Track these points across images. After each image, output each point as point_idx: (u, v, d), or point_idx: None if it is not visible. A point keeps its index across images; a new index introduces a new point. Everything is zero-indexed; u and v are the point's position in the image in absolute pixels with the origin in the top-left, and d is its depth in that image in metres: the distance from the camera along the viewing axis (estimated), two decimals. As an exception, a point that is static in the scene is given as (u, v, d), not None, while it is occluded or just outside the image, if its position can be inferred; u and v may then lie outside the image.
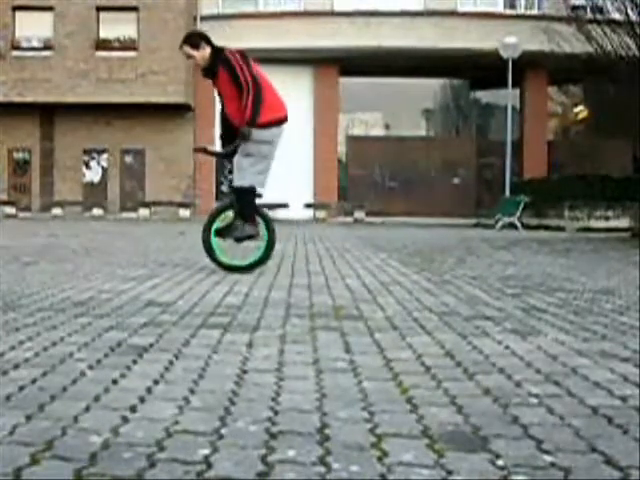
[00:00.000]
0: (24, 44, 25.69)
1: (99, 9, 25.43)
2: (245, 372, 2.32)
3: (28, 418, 1.78)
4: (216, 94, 5.90)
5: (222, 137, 5.86)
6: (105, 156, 26.76)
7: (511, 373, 2.34)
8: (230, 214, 5.85)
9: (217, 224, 5.83)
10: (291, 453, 1.56)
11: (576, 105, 28.56)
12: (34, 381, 2.15)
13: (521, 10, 26.36)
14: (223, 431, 1.70)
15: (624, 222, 18.88)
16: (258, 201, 5.87)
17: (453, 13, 25.77)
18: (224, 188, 6.60)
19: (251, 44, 24.87)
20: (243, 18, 25.81)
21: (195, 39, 5.78)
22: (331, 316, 3.55)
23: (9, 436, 1.64)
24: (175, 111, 25.72)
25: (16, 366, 2.35)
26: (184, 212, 24.85)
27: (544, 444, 1.64)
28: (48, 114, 26.24)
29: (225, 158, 5.86)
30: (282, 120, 5.68)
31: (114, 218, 24.44)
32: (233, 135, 5.66)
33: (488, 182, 27.32)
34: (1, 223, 18.13)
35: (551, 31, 19.43)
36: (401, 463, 1.51)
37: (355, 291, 4.62)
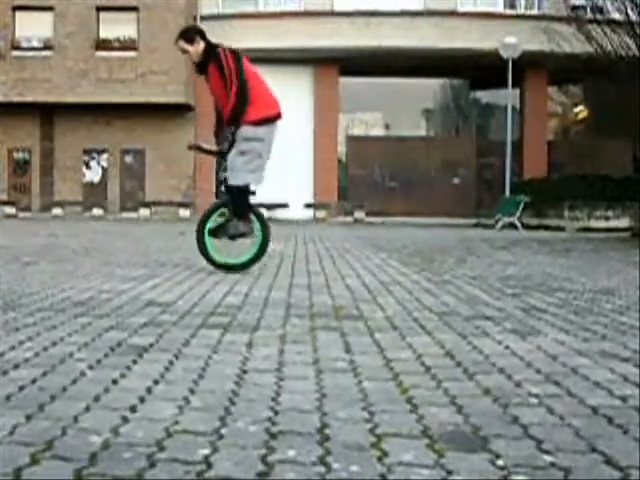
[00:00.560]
0: (24, 44, 25.69)
1: (99, 9, 25.43)
2: (245, 372, 2.31)
3: (28, 418, 1.78)
4: (209, 91, 5.91)
5: (216, 134, 5.87)
6: (105, 156, 26.76)
7: (511, 373, 2.34)
8: (224, 212, 5.85)
9: (210, 223, 5.83)
10: (291, 453, 1.56)
11: (576, 105, 28.57)
12: (34, 381, 2.15)
13: (521, 10, 26.36)
14: (223, 431, 1.70)
15: (624, 222, 18.89)
16: (254, 199, 5.88)
17: (453, 13, 25.76)
18: (223, 188, 6.54)
19: (251, 44, 24.89)
20: (243, 18, 25.81)
21: (190, 34, 5.79)
22: (331, 316, 3.55)
23: (9, 436, 1.64)
24: (175, 111, 25.72)
25: (16, 366, 2.34)
26: (184, 212, 24.85)
27: (544, 444, 1.64)
28: (48, 114, 26.24)
29: (219, 156, 5.85)
30: (274, 117, 5.68)
31: (114, 218, 24.44)
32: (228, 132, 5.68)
33: (488, 182, 27.32)
34: (1, 223, 18.14)
35: (551, 31, 19.43)
36: (401, 463, 1.51)
37: (355, 291, 4.62)
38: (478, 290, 4.79)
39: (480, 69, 25.50)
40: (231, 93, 5.49)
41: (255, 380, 2.21)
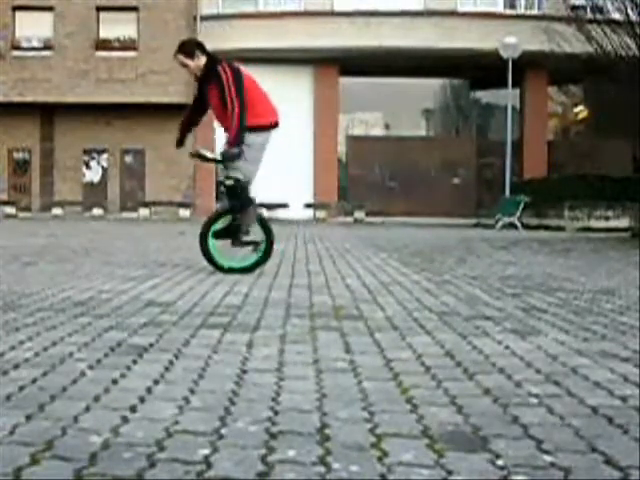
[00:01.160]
0: (24, 44, 25.69)
1: (99, 9, 25.44)
2: (245, 372, 2.31)
3: (28, 418, 1.78)
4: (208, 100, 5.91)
5: (181, 130, 5.89)
6: (105, 156, 26.76)
7: (511, 373, 2.34)
8: (227, 218, 5.83)
9: (215, 227, 5.80)
10: (291, 453, 1.56)
11: (576, 105, 28.57)
12: (34, 381, 2.15)
13: (521, 10, 26.36)
14: (223, 431, 1.70)
15: (624, 222, 18.89)
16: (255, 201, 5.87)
17: (453, 13, 25.76)
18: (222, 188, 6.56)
19: (251, 44, 24.94)
20: (243, 18, 25.80)
21: (190, 47, 5.72)
22: (331, 316, 3.55)
23: (9, 436, 1.64)
24: (175, 111, 25.56)
25: (16, 366, 2.35)
26: (184, 212, 24.85)
27: (544, 444, 1.64)
28: (48, 114, 26.25)
29: (220, 164, 5.83)
30: (269, 126, 5.65)
31: (114, 218, 24.44)
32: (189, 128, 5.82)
33: (488, 182, 27.32)
34: (1, 223, 18.13)
35: (551, 31, 19.43)
36: (401, 463, 1.51)
37: (355, 291, 4.62)
38: (478, 290, 4.79)
39: (480, 69, 25.50)
40: (234, 115, 5.43)
41: (255, 380, 2.20)
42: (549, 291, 4.80)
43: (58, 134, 26.57)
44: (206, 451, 1.56)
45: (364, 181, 27.46)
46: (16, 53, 25.54)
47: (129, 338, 2.87)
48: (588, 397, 2.06)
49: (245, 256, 5.91)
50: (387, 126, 29.37)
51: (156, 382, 2.17)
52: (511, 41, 22.65)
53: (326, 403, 1.96)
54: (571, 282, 5.47)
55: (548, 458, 1.55)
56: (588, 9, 18.80)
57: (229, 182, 5.65)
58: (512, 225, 20.15)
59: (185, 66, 5.69)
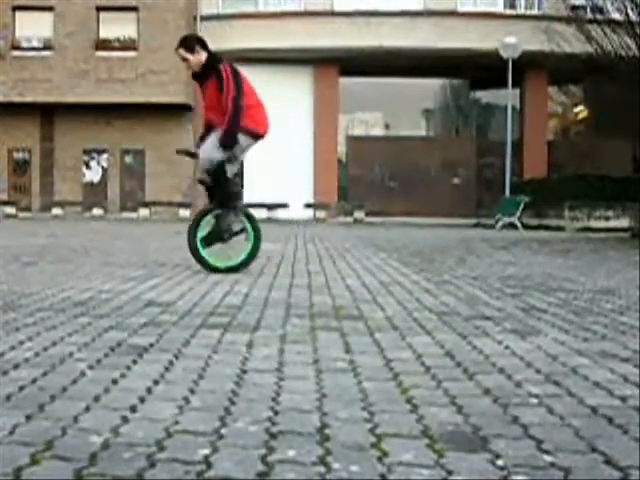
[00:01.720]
0: (24, 44, 25.69)
1: (99, 9, 25.44)
2: (245, 372, 2.31)
3: (28, 418, 1.78)
4: (201, 98, 5.95)
5: (202, 138, 5.89)
6: (105, 156, 26.76)
7: (511, 373, 2.34)
8: (210, 218, 5.86)
9: (200, 233, 5.83)
10: (291, 453, 1.56)
11: (576, 105, 28.57)
12: (34, 381, 2.15)
13: (521, 10, 26.36)
14: (223, 431, 1.70)
15: (624, 222, 18.89)
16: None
17: (453, 13, 25.76)
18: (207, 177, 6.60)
19: (251, 44, 24.94)
20: (243, 18, 25.80)
21: (191, 42, 5.77)
22: (331, 316, 3.55)
23: (9, 436, 1.64)
24: (175, 111, 25.72)
25: (16, 366, 2.34)
26: (184, 212, 24.84)
27: (544, 444, 1.64)
28: (48, 114, 26.24)
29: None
30: (260, 135, 5.70)
31: (114, 218, 24.44)
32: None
33: (488, 182, 27.32)
34: (1, 223, 18.13)
35: (551, 31, 19.43)
36: (401, 463, 1.51)
37: (355, 291, 4.62)
38: (478, 290, 4.79)
39: (480, 69, 25.50)
40: (226, 117, 5.46)
41: (255, 380, 2.21)
42: (549, 291, 4.80)
43: (58, 134, 26.57)
44: (206, 451, 1.56)
45: (364, 181, 27.46)
46: (16, 53, 25.54)
47: (129, 338, 2.87)
48: (588, 397, 2.06)
49: (237, 254, 5.92)
50: (387, 126, 29.37)
51: (156, 382, 2.17)
52: (511, 41, 22.65)
53: (326, 403, 1.96)
54: (571, 282, 5.47)
55: (548, 458, 1.55)
56: (588, 9, 18.79)
57: (208, 178, 5.70)
58: (512, 225, 20.16)
59: (185, 60, 5.73)
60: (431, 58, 25.21)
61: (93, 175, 26.92)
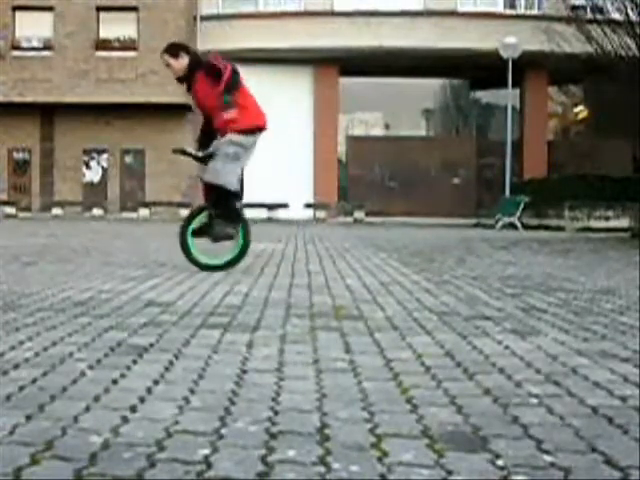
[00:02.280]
0: (24, 44, 25.69)
1: (99, 9, 25.44)
2: (245, 372, 2.31)
3: (28, 418, 1.78)
4: (191, 98, 5.99)
5: (199, 141, 5.94)
6: (105, 156, 26.76)
7: (511, 373, 2.34)
8: (207, 215, 5.91)
9: (194, 225, 5.90)
10: (291, 453, 1.56)
11: (576, 105, 28.57)
12: (34, 381, 2.15)
13: (521, 10, 26.36)
14: (223, 431, 1.70)
15: (624, 222, 18.89)
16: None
17: (453, 13, 25.76)
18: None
19: (251, 44, 24.94)
20: (243, 18, 25.81)
21: (176, 49, 5.91)
22: (331, 316, 3.55)
23: (9, 436, 1.64)
24: (175, 111, 25.70)
25: (16, 366, 2.34)
26: (184, 212, 24.81)
27: (544, 444, 1.64)
28: (48, 114, 26.24)
29: (202, 162, 5.92)
30: (260, 128, 5.78)
31: (114, 218, 24.44)
32: (210, 140, 5.80)
33: (488, 182, 27.32)
34: (1, 223, 18.13)
35: (551, 31, 19.43)
36: (401, 463, 1.51)
37: (355, 291, 4.62)
38: (478, 290, 4.79)
39: (480, 69, 25.50)
40: (224, 77, 5.51)
41: (255, 380, 2.20)
42: (549, 291, 4.80)
43: (58, 134, 26.57)
44: (206, 451, 1.56)
45: (364, 181, 27.46)
46: (16, 53, 25.55)
47: (129, 338, 2.87)
48: (588, 397, 2.06)
49: (223, 253, 5.96)
50: (387, 126, 29.38)
51: (156, 382, 2.17)
52: (511, 41, 22.65)
53: (326, 403, 1.96)
54: (571, 282, 5.47)
55: (548, 458, 1.55)
56: (588, 9, 18.79)
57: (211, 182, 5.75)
58: (512, 225, 20.16)
59: (168, 66, 5.86)
60: (431, 58, 25.21)
61: (93, 175, 26.92)
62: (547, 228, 19.80)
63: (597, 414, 1.89)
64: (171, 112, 25.75)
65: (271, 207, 23.97)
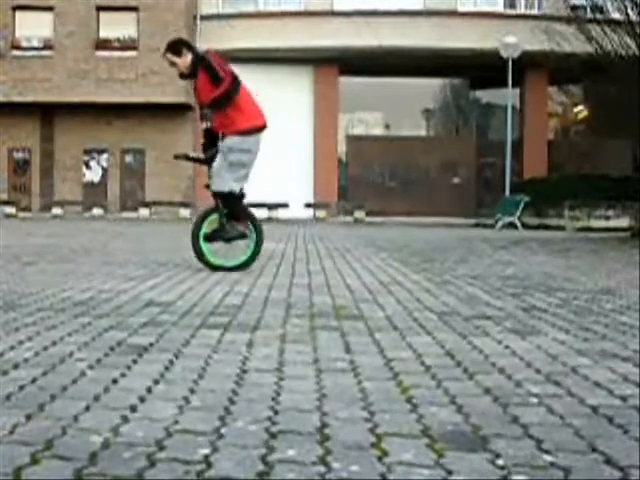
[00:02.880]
0: (24, 44, 25.70)
1: (99, 9, 25.44)
2: (245, 372, 2.31)
3: (28, 418, 1.78)
4: (194, 95, 6.02)
5: (203, 145, 5.96)
6: (105, 156, 26.76)
7: (511, 373, 2.34)
8: (216, 217, 5.92)
9: (204, 229, 5.92)
10: (291, 453, 1.56)
11: (576, 105, 28.56)
12: (34, 381, 2.15)
13: (521, 10, 26.36)
14: (223, 431, 1.70)
15: (624, 222, 18.89)
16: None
17: (453, 13, 25.76)
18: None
19: (251, 44, 24.94)
20: (243, 18, 25.81)
21: (178, 46, 5.89)
22: (331, 316, 3.55)
23: (9, 436, 1.64)
24: (175, 111, 25.72)
25: (16, 366, 2.34)
26: (184, 212, 24.84)
27: (544, 444, 1.64)
28: (48, 114, 26.25)
29: (206, 164, 5.94)
30: (261, 128, 5.80)
31: (114, 218, 24.43)
32: (214, 143, 5.81)
33: (488, 182, 27.32)
34: (1, 223, 18.14)
35: (551, 31, 19.40)
36: (401, 463, 1.51)
37: (355, 291, 4.62)
38: (478, 290, 4.79)
39: (480, 69, 25.50)
40: (224, 83, 5.53)
41: (255, 380, 2.20)
42: (549, 291, 4.80)
43: (58, 134, 26.57)
44: (206, 451, 1.56)
45: (364, 181, 27.47)
46: (16, 53, 25.55)
47: (129, 338, 2.87)
48: (588, 397, 2.06)
49: (236, 254, 5.98)
50: (387, 126, 29.37)
51: (156, 382, 2.17)
52: (511, 41, 22.64)
53: (326, 403, 1.96)
54: (571, 282, 5.47)
55: (548, 458, 1.55)
56: (588, 9, 18.79)
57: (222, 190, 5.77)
58: (512, 225, 20.15)
59: (173, 64, 5.87)
60: (431, 58, 25.21)
61: (93, 175, 26.92)
62: (547, 228, 19.80)
63: (597, 414, 1.89)
64: (171, 112, 25.76)
65: (271, 207, 23.95)
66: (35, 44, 25.71)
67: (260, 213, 23.22)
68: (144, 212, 25.22)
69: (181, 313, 3.55)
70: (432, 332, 3.11)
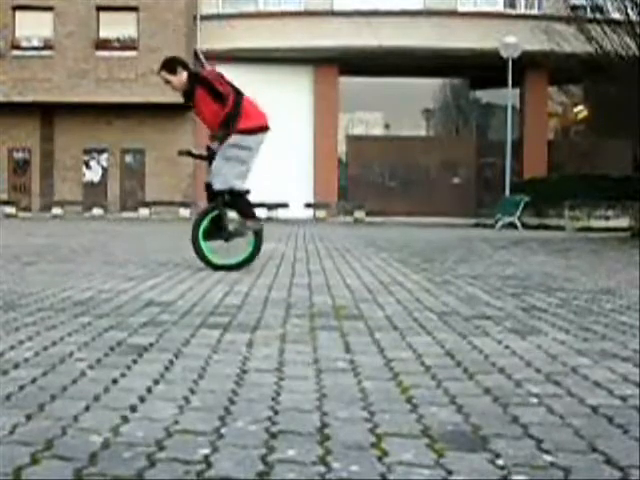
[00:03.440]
0: (24, 44, 25.69)
1: (99, 9, 25.44)
2: (245, 372, 2.31)
3: (28, 418, 1.78)
4: (195, 114, 6.05)
5: (210, 137, 5.96)
6: (105, 156, 26.76)
7: (511, 373, 2.34)
8: (216, 215, 5.93)
9: (204, 227, 5.92)
10: (291, 453, 1.56)
11: (576, 105, 28.55)
12: (34, 381, 2.15)
13: (521, 10, 26.36)
14: (223, 431, 1.70)
15: (624, 222, 18.89)
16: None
17: (453, 13, 25.76)
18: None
19: (251, 44, 24.94)
20: (243, 18, 25.80)
21: (172, 64, 5.91)
22: (331, 316, 3.55)
23: (9, 436, 1.64)
24: (175, 111, 25.66)
25: (16, 366, 2.34)
26: (184, 212, 24.84)
27: (544, 444, 1.64)
28: (48, 114, 26.24)
29: (208, 160, 5.96)
30: (263, 128, 5.80)
31: (114, 218, 24.43)
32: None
33: (488, 182, 27.32)
34: (1, 223, 18.13)
35: (551, 31, 19.40)
36: (401, 463, 1.51)
37: (355, 291, 4.62)
38: (478, 290, 4.79)
39: (480, 69, 25.50)
40: (226, 102, 5.53)
41: (255, 380, 2.20)
42: (549, 291, 4.80)
43: (58, 134, 26.57)
44: (206, 451, 1.56)
45: (364, 181, 27.47)
46: (16, 53, 25.54)
47: (129, 338, 2.87)
48: (588, 397, 2.06)
49: (237, 253, 5.98)
50: (387, 126, 29.37)
51: (156, 382, 2.17)
52: (511, 41, 22.65)
53: (326, 403, 1.96)
54: (571, 282, 5.47)
55: (548, 458, 1.55)
56: (588, 9, 18.79)
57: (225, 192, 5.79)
58: (512, 225, 20.15)
59: (168, 82, 5.91)
60: (431, 58, 25.21)
61: (93, 175, 26.92)
62: (547, 228, 19.80)
63: (597, 414, 1.89)
64: (171, 112, 25.72)
65: (271, 207, 23.95)
66: (35, 44, 25.71)
67: (260, 213, 23.20)
68: (144, 212, 25.22)
69: (181, 313, 3.55)
70: (432, 332, 3.11)
